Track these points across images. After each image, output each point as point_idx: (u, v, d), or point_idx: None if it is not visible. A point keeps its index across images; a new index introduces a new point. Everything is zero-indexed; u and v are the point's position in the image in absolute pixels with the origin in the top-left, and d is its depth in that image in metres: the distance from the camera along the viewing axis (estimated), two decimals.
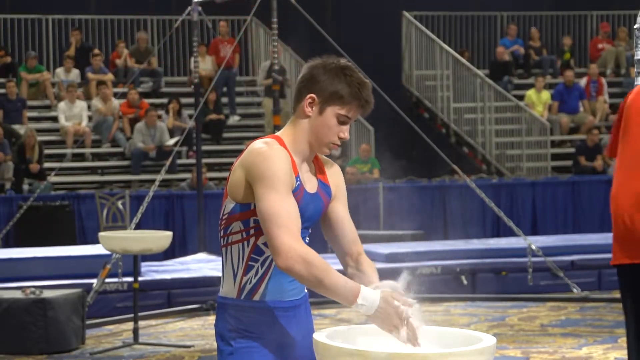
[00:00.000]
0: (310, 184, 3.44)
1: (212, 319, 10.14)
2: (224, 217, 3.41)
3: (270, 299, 3.39)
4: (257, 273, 3.38)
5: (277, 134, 3.44)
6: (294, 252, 3.20)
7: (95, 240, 10.68)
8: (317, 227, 3.56)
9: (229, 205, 3.38)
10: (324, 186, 3.49)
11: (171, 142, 15.79)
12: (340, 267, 3.58)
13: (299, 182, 3.37)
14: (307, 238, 3.47)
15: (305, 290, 3.50)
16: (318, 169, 3.51)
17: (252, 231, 3.36)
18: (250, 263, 3.38)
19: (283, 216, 3.24)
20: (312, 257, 3.21)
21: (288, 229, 3.23)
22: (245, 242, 3.37)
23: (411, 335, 3.20)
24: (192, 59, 12.77)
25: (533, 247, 10.87)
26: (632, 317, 4.34)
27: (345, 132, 3.40)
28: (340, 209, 3.54)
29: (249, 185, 3.32)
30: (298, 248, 3.21)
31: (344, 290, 3.21)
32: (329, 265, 3.24)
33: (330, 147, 3.42)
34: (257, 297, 3.39)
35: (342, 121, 3.38)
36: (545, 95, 18.30)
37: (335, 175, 3.55)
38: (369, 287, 3.28)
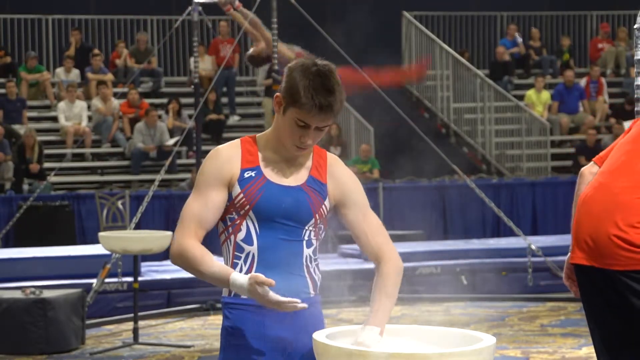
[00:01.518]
0: (292, 178, 3.44)
1: (212, 319, 10.14)
2: None
3: None
4: (241, 270, 3.41)
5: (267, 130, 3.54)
6: (176, 246, 3.40)
7: (95, 240, 10.68)
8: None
9: None
10: (315, 183, 3.46)
11: (171, 142, 15.79)
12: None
13: (255, 173, 3.41)
14: (314, 240, 3.45)
15: (312, 294, 3.46)
16: (316, 166, 3.49)
17: (230, 229, 3.45)
18: (235, 261, 3.43)
19: (185, 216, 3.44)
20: (188, 249, 3.38)
21: (184, 225, 3.42)
22: (228, 240, 3.46)
23: (289, 304, 3.25)
24: (192, 59, 12.76)
25: (533, 247, 10.86)
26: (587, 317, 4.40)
27: (306, 137, 3.36)
28: (349, 215, 3.52)
29: None
30: (180, 243, 3.39)
31: (219, 277, 3.34)
32: (205, 256, 3.36)
33: (295, 150, 3.40)
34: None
35: (301, 125, 3.35)
36: (545, 95, 18.30)
37: (339, 180, 3.51)
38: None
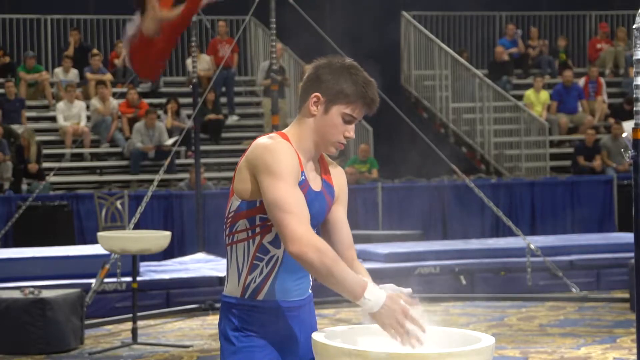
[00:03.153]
0: (315, 183, 3.44)
1: (211, 319, 10.14)
2: (229, 215, 3.41)
3: (274, 298, 3.39)
4: (261, 272, 3.38)
5: (283, 131, 3.45)
6: (307, 239, 3.19)
7: (94, 240, 10.68)
8: None
9: (235, 203, 3.39)
10: (328, 186, 3.48)
11: (169, 142, 15.78)
12: None
13: (303, 177, 3.37)
14: None
15: (310, 291, 3.50)
16: (323, 169, 3.51)
17: (257, 229, 3.37)
18: (255, 262, 3.37)
19: (292, 203, 3.23)
20: (324, 246, 3.21)
21: (298, 215, 3.22)
22: (251, 241, 3.37)
23: (415, 336, 3.18)
24: (191, 59, 12.75)
25: (532, 247, 10.86)
26: None
27: (350, 131, 3.40)
28: (340, 212, 3.54)
29: (255, 180, 3.32)
30: (311, 236, 3.21)
31: (352, 283, 3.18)
32: (338, 257, 3.23)
33: (337, 147, 3.41)
34: (261, 297, 3.39)
35: (347, 120, 3.38)
36: (544, 95, 18.30)
37: (339, 178, 3.55)
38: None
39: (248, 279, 3.39)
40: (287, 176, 3.27)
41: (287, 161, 3.29)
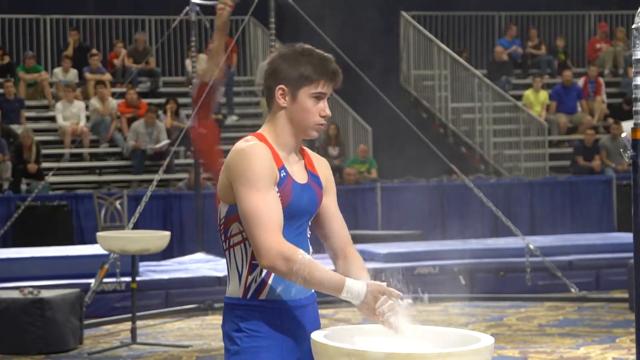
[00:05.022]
0: (301, 175, 3.46)
1: (210, 318, 10.14)
2: (221, 222, 3.43)
3: (276, 298, 3.40)
4: (261, 272, 3.38)
5: (259, 131, 3.48)
6: (274, 250, 3.24)
7: (93, 240, 10.67)
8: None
9: (223, 209, 3.42)
10: (314, 177, 3.50)
11: (161, 144, 15.74)
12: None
13: (285, 173, 3.39)
14: (309, 232, 3.48)
15: (313, 290, 3.49)
16: (307, 161, 3.53)
17: None
18: (254, 262, 3.38)
19: (263, 215, 3.28)
20: (292, 254, 3.25)
21: (268, 227, 3.26)
22: (247, 242, 3.38)
23: (396, 327, 3.23)
24: (190, 59, 12.75)
25: (531, 247, 10.87)
26: None
27: (325, 109, 3.44)
28: (330, 204, 3.55)
29: (232, 186, 3.36)
30: (278, 246, 3.25)
31: (330, 284, 3.26)
32: (312, 261, 3.26)
33: (317, 129, 3.45)
34: (263, 297, 3.39)
35: (317, 98, 3.42)
36: (543, 95, 18.30)
37: (323, 168, 3.57)
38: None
39: (249, 279, 3.39)
40: (258, 183, 3.30)
41: (260, 166, 3.32)
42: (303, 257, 3.25)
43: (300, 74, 3.40)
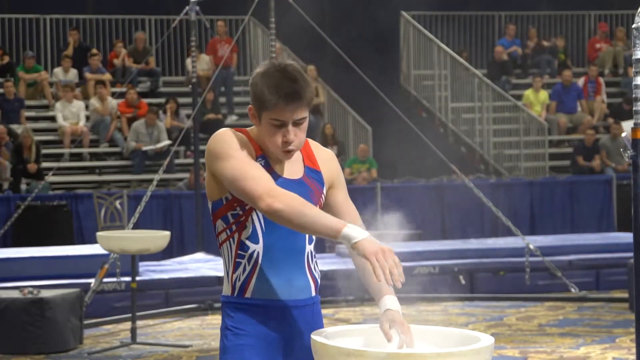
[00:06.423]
0: (292, 171, 3.39)
1: (210, 318, 10.14)
2: (212, 219, 3.42)
3: (262, 296, 3.36)
4: (244, 270, 3.36)
5: (247, 129, 3.44)
6: (272, 191, 3.17)
7: (93, 240, 10.68)
8: None
9: (210, 207, 3.41)
10: (312, 172, 3.43)
11: (162, 144, 15.74)
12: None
13: (264, 162, 3.34)
14: None
15: (313, 294, 3.44)
16: (306, 156, 3.45)
17: (233, 227, 3.36)
18: (237, 260, 3.36)
19: (247, 170, 3.23)
20: (289, 193, 3.18)
21: (256, 177, 3.21)
22: (231, 239, 3.36)
23: (395, 276, 3.25)
24: (190, 59, 12.75)
25: (531, 246, 10.86)
26: None
27: (287, 134, 3.29)
28: (339, 196, 3.50)
29: (213, 177, 3.34)
30: (273, 187, 3.19)
31: (329, 218, 3.15)
32: (308, 202, 3.21)
33: (282, 155, 3.33)
34: (248, 294, 3.36)
35: (277, 125, 3.29)
36: (543, 95, 18.30)
37: (329, 162, 3.49)
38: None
39: (234, 277, 3.37)
40: (235, 152, 3.26)
41: (232, 141, 3.29)
42: (292, 194, 3.18)
43: (261, 98, 3.27)
